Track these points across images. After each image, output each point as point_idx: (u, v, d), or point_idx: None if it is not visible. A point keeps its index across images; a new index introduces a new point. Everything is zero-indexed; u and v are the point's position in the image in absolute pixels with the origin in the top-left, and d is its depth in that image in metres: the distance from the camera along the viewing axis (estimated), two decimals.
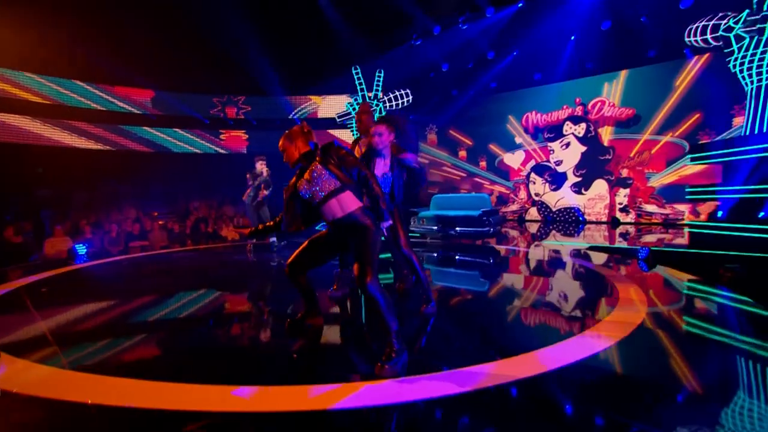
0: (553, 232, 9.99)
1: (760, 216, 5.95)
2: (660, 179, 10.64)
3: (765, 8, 6.05)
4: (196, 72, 11.60)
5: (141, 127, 12.36)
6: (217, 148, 13.75)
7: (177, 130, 13.12)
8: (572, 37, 10.56)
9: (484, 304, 3.85)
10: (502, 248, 7.05)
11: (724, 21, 6.56)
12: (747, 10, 6.24)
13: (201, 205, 12.26)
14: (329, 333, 3.07)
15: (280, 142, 2.60)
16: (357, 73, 10.97)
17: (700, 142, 8.05)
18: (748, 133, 6.33)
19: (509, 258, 6.17)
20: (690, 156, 7.02)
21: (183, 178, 12.87)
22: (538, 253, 6.53)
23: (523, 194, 13.17)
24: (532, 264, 5.78)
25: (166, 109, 12.63)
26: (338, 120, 11.57)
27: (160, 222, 9.50)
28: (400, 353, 2.32)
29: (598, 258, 5.82)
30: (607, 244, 7.29)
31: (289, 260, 2.84)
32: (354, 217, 2.49)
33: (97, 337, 3.05)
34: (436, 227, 7.38)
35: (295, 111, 13.53)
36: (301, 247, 2.83)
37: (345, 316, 3.59)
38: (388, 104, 11.17)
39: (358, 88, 11.11)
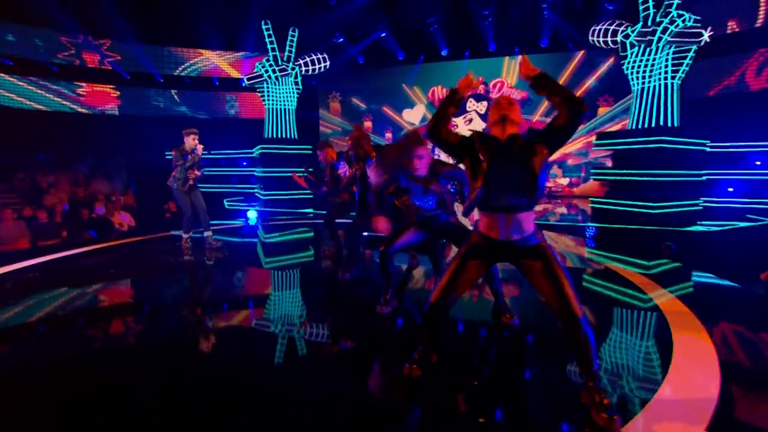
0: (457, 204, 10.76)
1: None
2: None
3: (650, 24, 7.20)
4: None
5: None
6: (75, 106, 10.84)
7: (5, 76, 9.87)
8: (488, 19, 11.00)
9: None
10: None
11: (622, 28, 7.61)
12: (640, 23, 7.33)
13: (61, 181, 9.66)
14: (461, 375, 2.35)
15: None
16: (267, 29, 9.64)
17: (601, 131, 9.42)
18: (634, 126, 7.63)
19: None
20: (595, 142, 8.17)
21: (28, 144, 9.90)
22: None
23: None
24: None
25: None
26: (247, 83, 10.12)
27: (8, 210, 7.12)
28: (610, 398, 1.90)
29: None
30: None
31: (436, 297, 2.13)
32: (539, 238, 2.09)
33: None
34: None
35: (184, 66, 11.40)
36: (448, 278, 2.11)
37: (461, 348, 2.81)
38: (303, 69, 10.16)
39: (269, 47, 9.80)
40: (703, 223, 6.97)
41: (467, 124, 13.12)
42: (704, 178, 7.42)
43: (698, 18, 6.82)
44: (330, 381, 2.34)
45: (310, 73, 10.24)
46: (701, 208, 7.34)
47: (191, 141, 5.20)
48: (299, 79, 10.14)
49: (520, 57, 2.18)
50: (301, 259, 5.61)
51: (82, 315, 3.43)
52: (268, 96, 10.11)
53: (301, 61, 10.08)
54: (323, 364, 2.57)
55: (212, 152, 10.42)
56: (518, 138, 2.00)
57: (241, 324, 3.32)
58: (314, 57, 10.09)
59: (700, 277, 4.41)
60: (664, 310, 3.22)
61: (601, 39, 7.93)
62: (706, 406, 1.95)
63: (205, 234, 5.51)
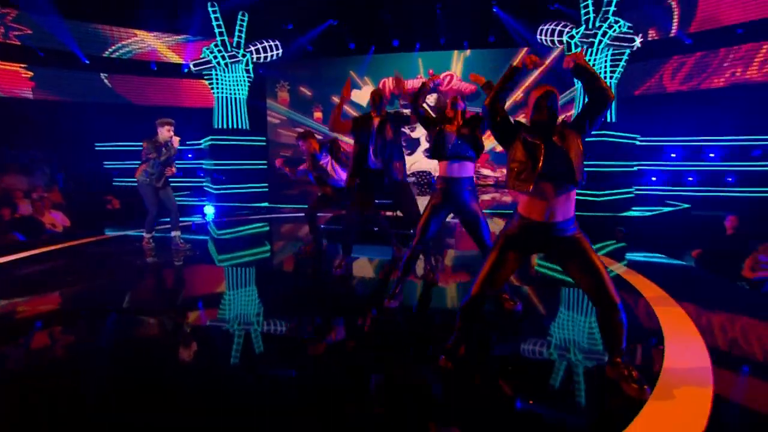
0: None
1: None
2: (493, 147, 12.91)
3: (590, 27, 7.90)
4: None
5: None
6: None
7: None
8: (438, 8, 11.25)
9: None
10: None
11: (567, 29, 8.25)
12: (583, 26, 8.00)
13: None
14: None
15: None
16: (215, 12, 9.03)
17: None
18: None
19: None
20: None
21: None
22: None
23: None
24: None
25: None
26: (194, 69, 9.41)
27: None
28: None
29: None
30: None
31: (476, 290, 2.21)
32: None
33: None
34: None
35: (115, 48, 10.29)
36: (487, 271, 2.19)
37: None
38: (255, 56, 9.68)
39: (217, 32, 9.19)
40: (635, 209, 7.88)
41: None
42: (635, 168, 8.36)
43: (631, 25, 7.60)
44: (364, 377, 2.38)
45: (261, 60, 9.80)
46: (633, 195, 8.28)
47: (166, 133, 4.79)
48: (250, 66, 9.66)
49: (577, 51, 2.36)
50: (263, 255, 5.46)
51: (62, 323, 3.08)
52: (218, 84, 9.52)
53: (252, 48, 9.60)
54: (351, 362, 2.59)
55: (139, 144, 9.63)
56: (559, 125, 2.14)
57: (238, 327, 3.20)
58: (266, 44, 9.66)
59: (643, 255, 5.04)
60: (625, 278, 3.77)
61: (548, 38, 8.53)
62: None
63: (173, 233, 5.14)
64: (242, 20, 9.35)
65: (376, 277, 4.33)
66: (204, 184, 10.38)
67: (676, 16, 8.92)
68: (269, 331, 3.04)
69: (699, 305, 3.25)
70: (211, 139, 9.43)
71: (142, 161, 4.83)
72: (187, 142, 10.60)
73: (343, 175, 4.44)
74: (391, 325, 3.14)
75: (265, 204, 9.44)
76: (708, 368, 2.28)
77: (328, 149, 4.60)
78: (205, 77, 9.56)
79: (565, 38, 8.26)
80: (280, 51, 9.81)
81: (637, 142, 8.31)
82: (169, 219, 5.13)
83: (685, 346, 2.55)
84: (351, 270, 4.26)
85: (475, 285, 2.24)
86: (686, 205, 8.11)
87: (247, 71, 9.66)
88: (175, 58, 10.89)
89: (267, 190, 9.75)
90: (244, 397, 2.11)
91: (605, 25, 7.64)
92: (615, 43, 7.66)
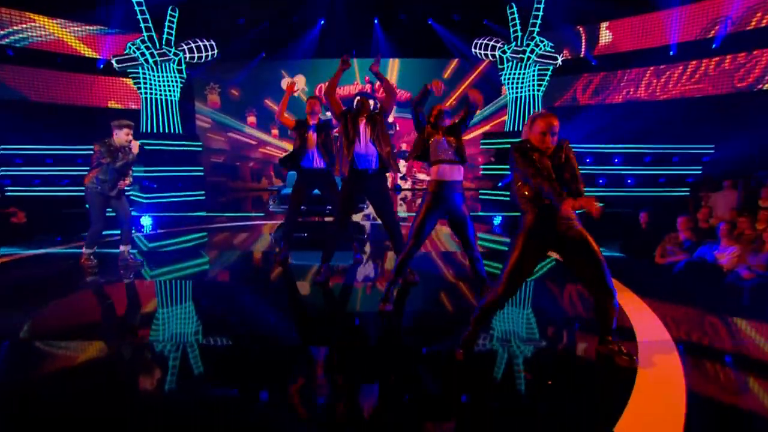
0: None
1: (500, 184, 8.93)
2: None
3: (519, 45, 8.78)
4: None
5: None
6: None
7: None
8: (375, 21, 11.55)
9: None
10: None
11: (499, 44, 9.05)
12: (513, 43, 8.86)
13: None
14: None
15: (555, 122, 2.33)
16: (140, 4, 8.23)
17: (486, 131, 10.87)
18: (511, 128, 9.20)
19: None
20: (482, 141, 9.51)
21: None
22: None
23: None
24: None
25: None
26: (117, 66, 8.43)
27: None
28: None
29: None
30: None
31: (503, 289, 2.43)
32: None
33: None
34: (302, 207, 7.09)
35: (5, 32, 8.80)
36: (512, 272, 2.41)
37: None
38: (188, 55, 9.01)
39: (143, 26, 8.38)
40: None
41: None
42: None
43: (553, 45, 8.60)
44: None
45: (195, 61, 9.16)
46: None
47: (123, 136, 4.26)
48: (183, 67, 8.99)
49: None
50: (198, 267, 5.18)
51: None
52: (145, 84, 8.68)
53: (186, 47, 8.94)
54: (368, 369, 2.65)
55: (41, 148, 8.43)
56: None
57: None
58: (200, 44, 9.07)
59: None
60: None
61: (482, 51, 9.26)
62: None
63: (121, 248, 4.60)
64: (172, 16, 8.67)
65: (362, 283, 4.34)
66: (130, 192, 9.37)
67: (583, 41, 10.28)
68: (271, 345, 2.94)
69: (642, 288, 3.83)
70: (141, 144, 8.54)
71: (93, 166, 4.27)
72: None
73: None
74: (391, 328, 3.23)
75: (203, 213, 8.82)
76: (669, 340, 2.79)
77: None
78: (131, 75, 8.67)
79: (498, 53, 9.04)
80: (216, 51, 9.26)
81: None
82: (118, 232, 4.60)
83: (644, 320, 3.06)
84: (330, 277, 4.18)
85: (500, 285, 2.42)
86: (601, 204, 9.33)
87: (180, 71, 8.97)
88: (88, 52, 9.68)
89: (204, 198, 9.13)
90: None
91: (532, 43, 8.54)
92: (541, 60, 8.60)
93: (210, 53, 9.18)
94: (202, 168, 9.44)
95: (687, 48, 9.08)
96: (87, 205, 4.36)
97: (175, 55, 8.78)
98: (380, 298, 3.42)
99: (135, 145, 4.31)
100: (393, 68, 13.20)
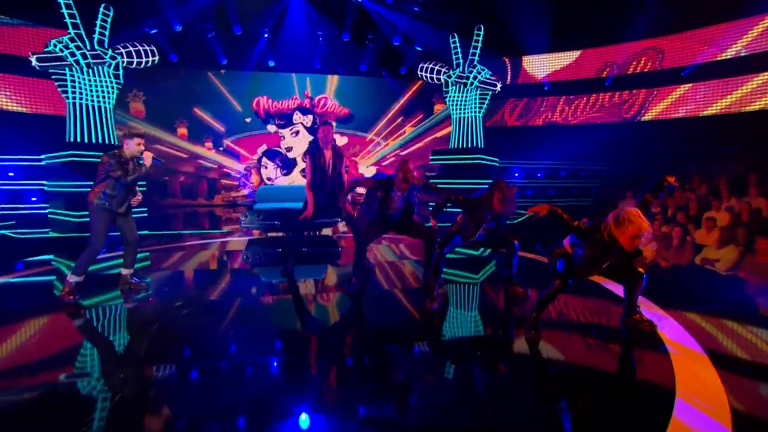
0: None
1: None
2: (368, 168, 13.97)
3: (461, 71, 9.77)
4: None
5: None
6: None
7: None
8: (320, 37, 11.70)
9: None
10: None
11: (444, 69, 9.93)
12: (458, 69, 9.81)
13: None
14: None
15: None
16: None
17: (435, 149, 11.56)
18: (455, 146, 10.10)
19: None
20: (431, 157, 10.22)
21: None
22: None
23: (255, 178, 13.26)
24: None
25: None
26: (38, 65, 7.30)
27: None
28: None
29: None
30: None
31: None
32: None
33: None
34: (277, 222, 6.97)
35: None
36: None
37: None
38: (126, 59, 8.19)
39: (69, 22, 7.44)
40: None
41: (294, 136, 13.43)
42: None
43: (492, 73, 9.73)
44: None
45: (134, 66, 8.40)
46: None
47: (135, 147, 3.90)
48: (121, 72, 8.19)
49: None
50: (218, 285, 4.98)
51: None
52: (73, 88, 7.70)
53: (123, 51, 8.16)
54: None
55: None
56: None
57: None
58: (141, 48, 8.36)
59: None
60: None
61: (428, 75, 10.06)
62: None
63: (124, 271, 4.15)
64: (106, 14, 7.86)
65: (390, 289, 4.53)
66: (47, 211, 8.12)
67: (509, 70, 11.74)
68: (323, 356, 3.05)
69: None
70: (71, 155, 7.53)
71: (98, 180, 3.79)
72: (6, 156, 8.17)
73: None
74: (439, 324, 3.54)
75: (146, 232, 8.06)
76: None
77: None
78: (54, 77, 7.62)
79: (443, 77, 9.91)
80: (157, 58, 8.61)
81: (497, 163, 10.52)
82: (122, 252, 4.13)
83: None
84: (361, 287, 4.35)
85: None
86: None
87: (117, 77, 8.13)
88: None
89: (146, 215, 8.33)
90: None
91: (475, 70, 9.57)
92: (482, 85, 9.66)
93: (151, 59, 8.50)
94: (145, 183, 8.60)
95: (588, 83, 10.97)
96: (90, 223, 3.87)
97: (112, 58, 7.97)
98: (426, 298, 3.76)
99: (148, 157, 3.98)
100: (332, 84, 13.45)
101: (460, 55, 9.82)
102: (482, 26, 9.49)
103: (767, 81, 8.41)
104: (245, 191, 13.12)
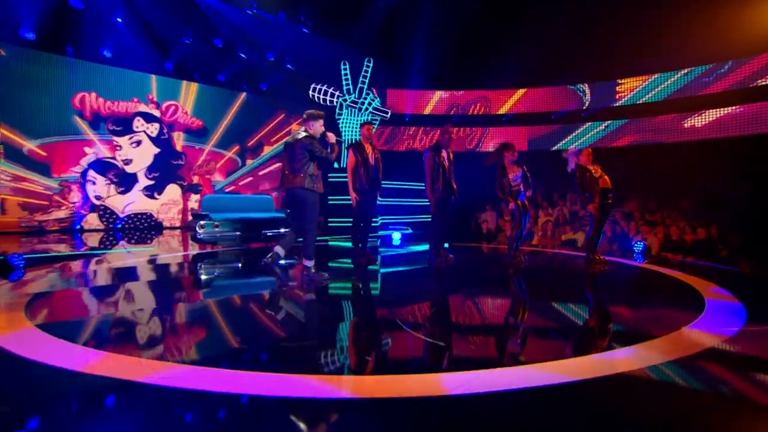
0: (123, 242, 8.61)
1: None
2: (224, 187, 12.57)
3: (352, 97, 10.33)
4: None
5: None
6: None
7: None
8: (188, 37, 10.02)
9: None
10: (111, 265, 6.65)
11: (338, 93, 10.20)
12: (354, 95, 10.27)
13: None
14: None
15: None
16: None
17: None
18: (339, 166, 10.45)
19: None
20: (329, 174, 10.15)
21: None
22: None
23: (76, 196, 10.11)
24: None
25: None
26: None
27: None
28: None
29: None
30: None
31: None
32: None
33: None
34: (237, 232, 6.52)
35: None
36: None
37: None
38: None
39: None
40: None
41: (134, 147, 10.94)
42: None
43: (379, 100, 10.62)
44: None
45: None
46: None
47: (319, 127, 4.03)
48: None
49: None
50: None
51: None
52: None
53: None
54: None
55: None
56: None
57: None
58: None
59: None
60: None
61: (321, 96, 10.14)
62: None
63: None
64: None
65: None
66: None
67: (379, 99, 12.94)
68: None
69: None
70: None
71: (294, 165, 3.83)
72: None
73: None
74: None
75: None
76: None
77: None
78: None
79: (337, 101, 10.19)
80: None
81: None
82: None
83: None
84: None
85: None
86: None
87: None
88: None
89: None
90: None
91: (369, 98, 10.26)
92: (374, 111, 10.41)
93: None
94: None
95: (441, 118, 13.24)
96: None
97: None
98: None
99: (331, 136, 4.08)
100: (189, 93, 11.66)
101: (350, 82, 10.33)
102: (371, 59, 10.32)
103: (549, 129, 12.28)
104: (61, 213, 9.79)
